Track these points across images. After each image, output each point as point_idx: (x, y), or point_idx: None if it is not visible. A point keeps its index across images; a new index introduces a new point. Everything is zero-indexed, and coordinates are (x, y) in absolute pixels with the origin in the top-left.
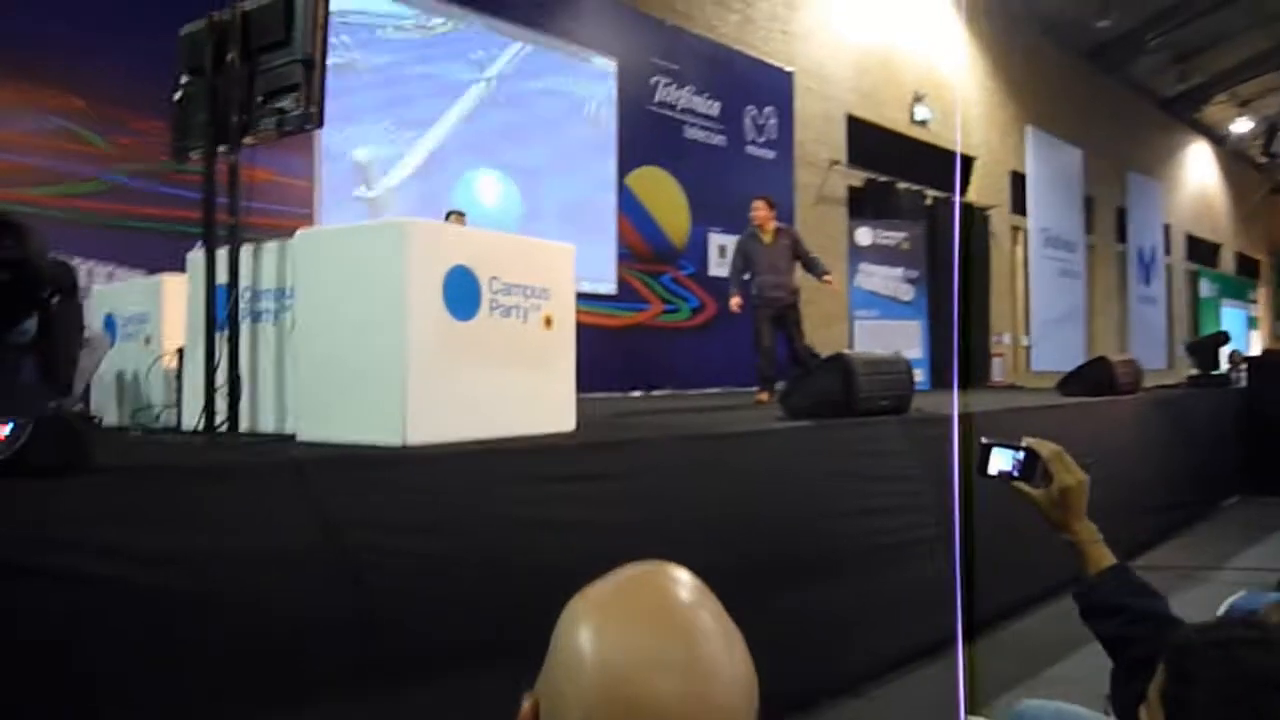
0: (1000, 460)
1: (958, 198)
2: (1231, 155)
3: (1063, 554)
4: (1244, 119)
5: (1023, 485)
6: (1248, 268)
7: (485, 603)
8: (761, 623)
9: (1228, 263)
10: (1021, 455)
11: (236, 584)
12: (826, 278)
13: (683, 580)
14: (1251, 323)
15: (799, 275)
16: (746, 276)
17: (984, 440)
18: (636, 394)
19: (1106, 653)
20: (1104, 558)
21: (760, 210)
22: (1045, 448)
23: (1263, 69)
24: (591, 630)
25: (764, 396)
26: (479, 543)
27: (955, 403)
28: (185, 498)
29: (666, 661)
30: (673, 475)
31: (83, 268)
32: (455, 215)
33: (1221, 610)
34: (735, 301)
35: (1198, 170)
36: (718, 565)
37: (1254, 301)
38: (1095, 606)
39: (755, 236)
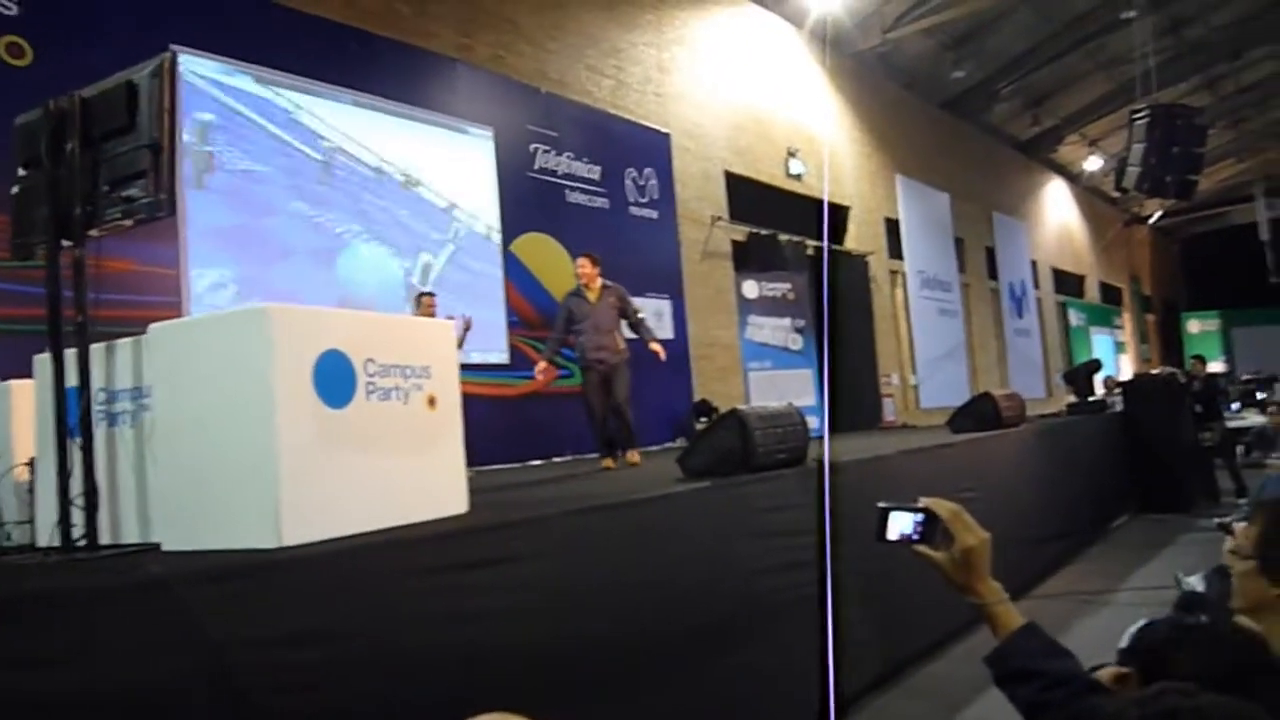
0: (899, 523)
1: (826, 243)
2: (1087, 191)
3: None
4: (1094, 157)
5: (923, 548)
6: (1111, 296)
7: (390, 710)
8: (677, 691)
9: (1093, 292)
10: (920, 517)
11: None
12: (654, 346)
13: None
14: (1119, 347)
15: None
16: (573, 336)
17: (881, 505)
18: (536, 463)
19: (1023, 717)
20: (1013, 619)
21: (585, 267)
22: (943, 508)
23: (1107, 109)
24: None
25: (609, 463)
26: (373, 647)
27: (826, 454)
28: (36, 633)
29: None
30: (573, 550)
31: None
32: (426, 297)
33: (1124, 642)
34: (540, 368)
35: (1058, 207)
36: (627, 637)
37: (1119, 327)
38: (1009, 673)
39: (580, 294)
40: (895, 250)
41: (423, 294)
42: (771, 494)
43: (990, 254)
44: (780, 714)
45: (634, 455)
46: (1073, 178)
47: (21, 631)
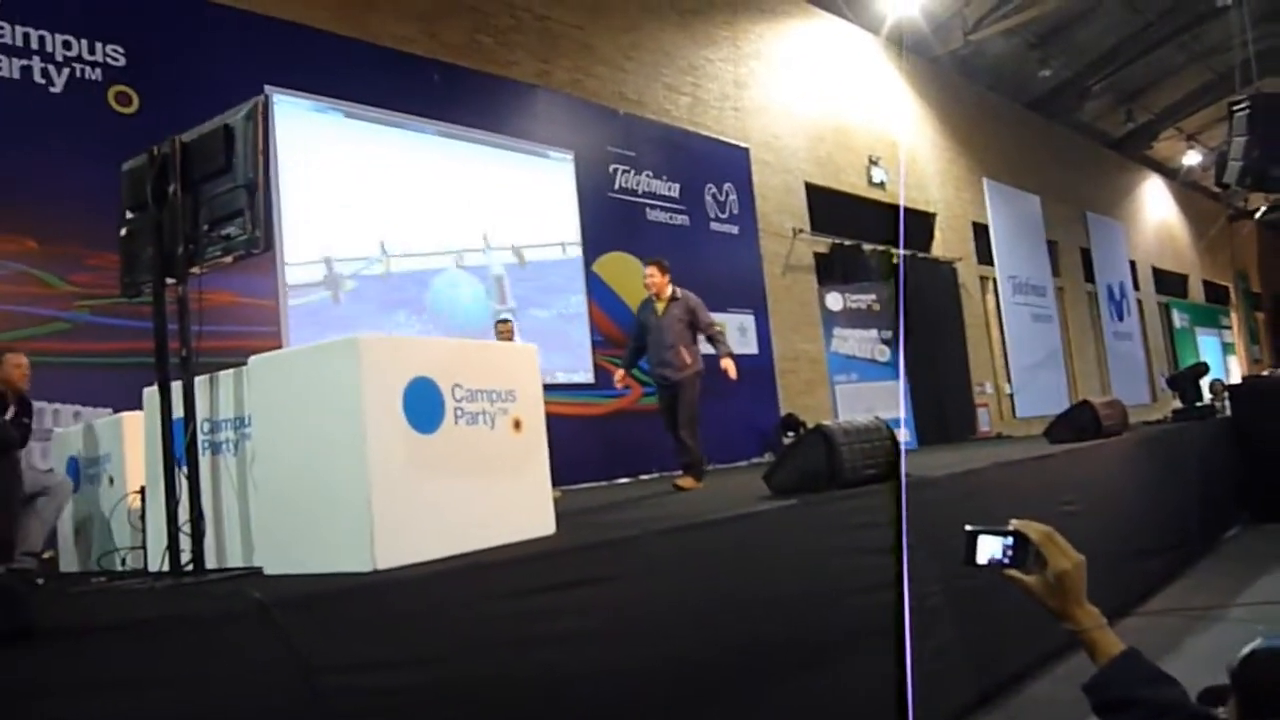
0: (988, 547)
1: (902, 250)
2: (1186, 187)
3: None
4: (1193, 152)
5: (1015, 573)
6: (1216, 294)
7: None
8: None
9: (1196, 292)
10: (1010, 540)
11: None
12: (725, 363)
13: None
14: (1228, 348)
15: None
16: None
17: (969, 528)
18: (624, 481)
19: None
20: (1112, 645)
21: (653, 276)
22: (1034, 530)
23: (1204, 102)
24: None
25: (684, 482)
26: (464, 669)
27: (903, 468)
28: (140, 658)
29: None
30: (659, 571)
31: (49, 410)
32: (502, 324)
33: (1244, 653)
34: (618, 376)
35: (1156, 205)
36: (712, 657)
37: (1227, 327)
38: (1109, 702)
39: (649, 306)
40: (985, 256)
41: (500, 320)
42: (860, 510)
43: (1086, 256)
44: None
45: (686, 480)
46: (1170, 174)
47: (130, 655)
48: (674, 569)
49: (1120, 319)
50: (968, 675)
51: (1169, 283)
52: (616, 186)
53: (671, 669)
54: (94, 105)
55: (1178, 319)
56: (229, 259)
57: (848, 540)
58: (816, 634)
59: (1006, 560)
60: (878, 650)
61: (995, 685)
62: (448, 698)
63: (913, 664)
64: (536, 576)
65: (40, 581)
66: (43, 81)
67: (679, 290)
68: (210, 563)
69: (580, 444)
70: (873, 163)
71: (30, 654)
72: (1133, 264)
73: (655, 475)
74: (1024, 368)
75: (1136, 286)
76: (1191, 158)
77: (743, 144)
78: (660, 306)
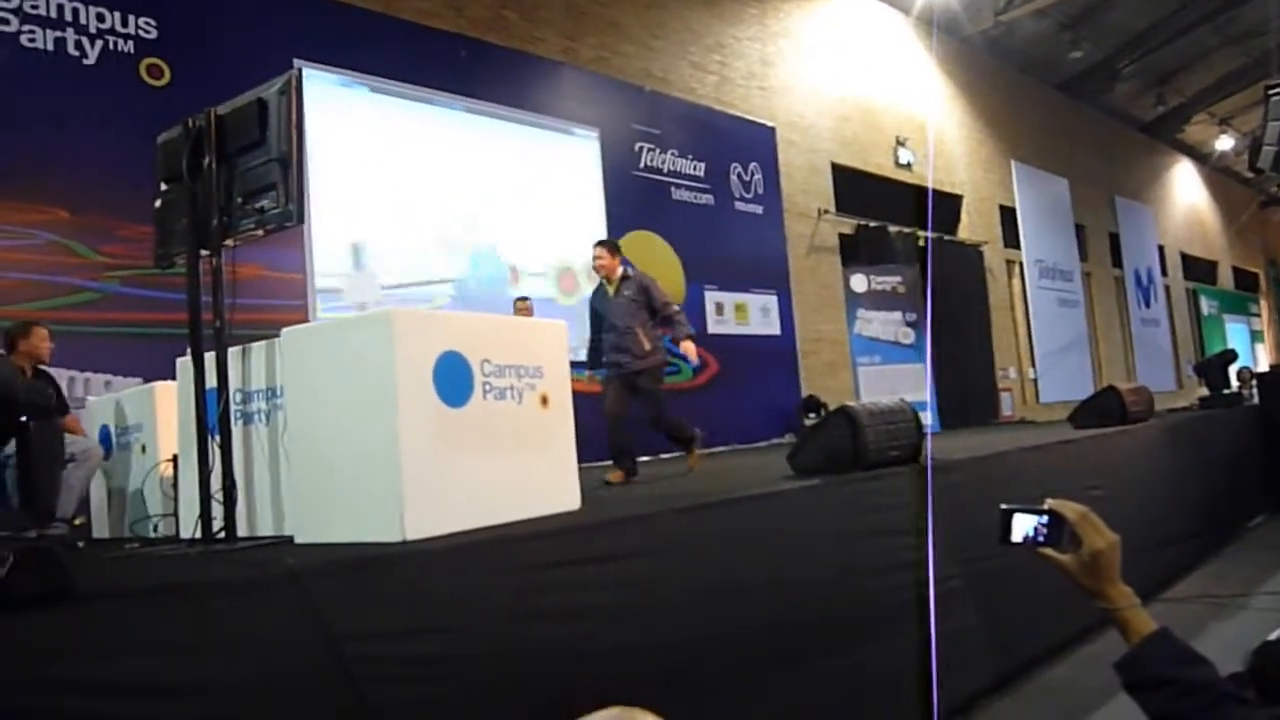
0: (1023, 525)
1: (930, 231)
2: (1217, 172)
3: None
4: (1225, 136)
5: (1050, 551)
6: (1246, 282)
7: (502, 706)
8: (785, 689)
9: (1225, 278)
10: (1045, 519)
11: (232, 711)
12: (685, 346)
13: None
14: (1256, 336)
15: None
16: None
17: (1004, 506)
18: (645, 459)
19: None
20: (1144, 624)
21: (601, 258)
22: (1069, 509)
23: (1238, 85)
24: None
25: (614, 476)
26: (490, 641)
27: (929, 450)
28: (174, 621)
29: None
30: (683, 547)
31: (79, 379)
32: (521, 302)
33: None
34: (586, 377)
35: (1186, 190)
36: (734, 634)
37: (1256, 315)
38: (1140, 681)
39: (600, 291)
40: (1011, 239)
41: (519, 299)
42: (884, 492)
43: (1114, 240)
44: (891, 715)
45: (694, 458)
46: (1202, 158)
47: (163, 619)
48: (697, 546)
49: (1147, 305)
50: (986, 658)
51: (1198, 269)
52: (642, 165)
53: (692, 646)
54: (126, 78)
55: (1206, 306)
56: (262, 232)
57: (871, 522)
58: (838, 614)
59: (1041, 539)
60: (898, 632)
61: (1014, 668)
62: (470, 667)
63: (944, 641)
64: (561, 551)
65: (79, 545)
66: (76, 54)
67: (630, 269)
68: (241, 531)
69: (602, 422)
70: (900, 143)
71: (67, 616)
72: (1161, 249)
73: (677, 454)
74: (1048, 353)
75: (1165, 272)
76: (1224, 142)
77: (769, 123)
78: (611, 289)
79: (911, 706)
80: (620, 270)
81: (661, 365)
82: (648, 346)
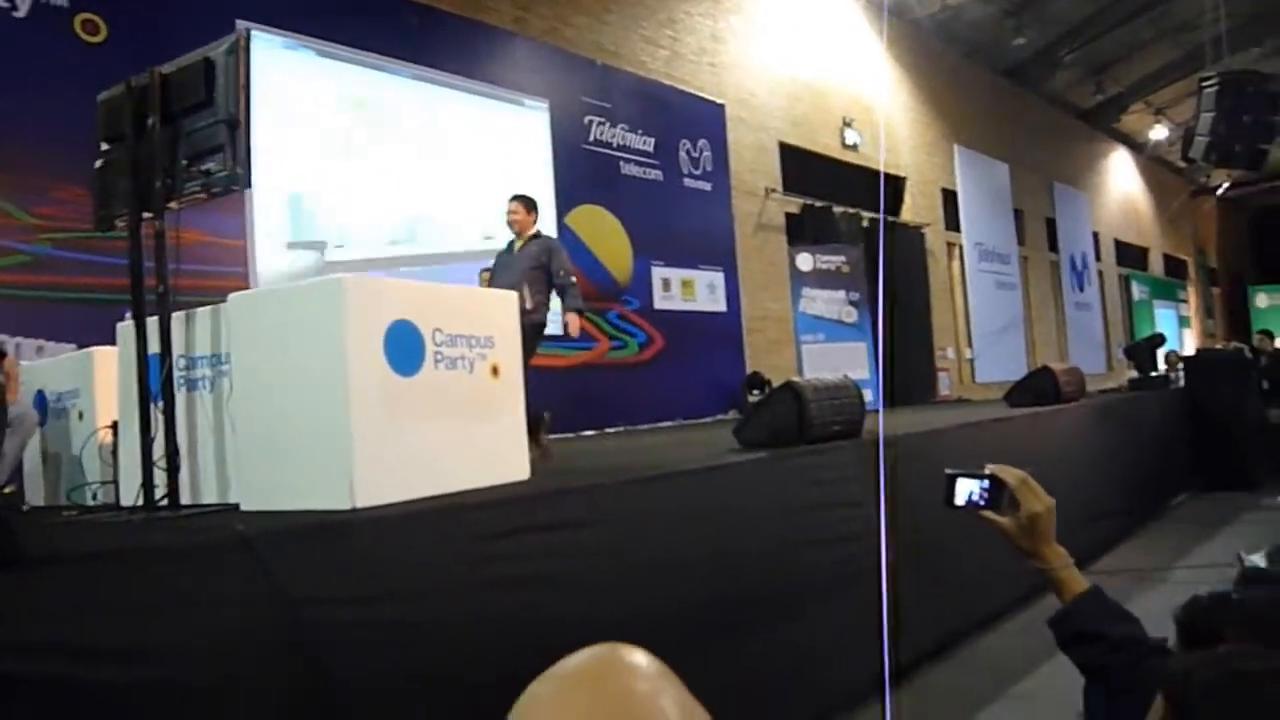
0: (965, 489)
1: (883, 215)
2: (1152, 161)
3: (1024, 566)
4: (1160, 126)
5: (990, 514)
6: (1176, 269)
7: (452, 673)
8: (732, 660)
9: (1156, 265)
10: (986, 484)
11: (186, 676)
12: (568, 316)
13: (640, 667)
14: (1183, 322)
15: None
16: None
17: (948, 471)
18: (589, 434)
19: (1086, 680)
20: (1077, 583)
21: (515, 212)
22: (1010, 474)
23: (1173, 77)
24: None
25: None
26: (440, 607)
27: (881, 426)
28: (124, 586)
29: None
30: (630, 518)
31: (10, 343)
32: (486, 273)
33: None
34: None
35: (1121, 178)
36: (682, 605)
37: (1184, 301)
38: (1073, 635)
39: (509, 245)
40: (952, 222)
41: (485, 270)
42: (827, 466)
43: (1051, 225)
44: (835, 685)
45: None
46: (1137, 147)
47: (110, 585)
48: (645, 517)
49: (1081, 289)
50: (925, 626)
51: (1130, 255)
52: (591, 138)
53: (639, 616)
54: (60, 33)
55: (1137, 291)
56: (206, 195)
57: (814, 495)
58: (779, 587)
59: (982, 502)
60: (839, 603)
61: (950, 635)
62: (421, 633)
63: (887, 614)
64: (509, 519)
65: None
66: (7, 5)
67: (543, 232)
68: (185, 499)
69: (545, 395)
70: (847, 124)
71: (16, 580)
72: (1096, 235)
73: (620, 429)
74: (986, 334)
75: (1098, 257)
76: (1159, 132)
77: (718, 100)
78: (518, 245)
79: (851, 675)
80: (534, 230)
81: (535, 326)
82: (528, 305)
